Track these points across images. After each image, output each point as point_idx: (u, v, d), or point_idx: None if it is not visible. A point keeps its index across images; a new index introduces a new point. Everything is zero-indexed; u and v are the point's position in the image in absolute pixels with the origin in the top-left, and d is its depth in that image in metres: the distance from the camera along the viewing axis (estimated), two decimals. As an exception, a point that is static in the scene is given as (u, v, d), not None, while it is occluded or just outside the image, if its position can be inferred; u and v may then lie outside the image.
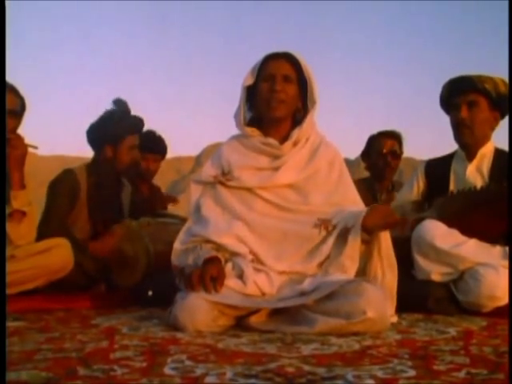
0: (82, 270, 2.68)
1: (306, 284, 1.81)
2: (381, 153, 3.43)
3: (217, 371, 1.15)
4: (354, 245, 1.86)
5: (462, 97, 2.49)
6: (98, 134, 2.93)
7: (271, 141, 2.05)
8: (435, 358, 1.30)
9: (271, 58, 2.03)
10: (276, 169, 2.04)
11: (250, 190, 2.02)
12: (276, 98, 1.98)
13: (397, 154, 3.48)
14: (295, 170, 2.04)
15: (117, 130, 2.87)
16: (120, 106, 2.93)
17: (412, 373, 1.15)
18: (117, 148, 2.89)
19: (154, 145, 3.42)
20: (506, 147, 2.49)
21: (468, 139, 2.51)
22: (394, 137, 3.50)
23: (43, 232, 2.67)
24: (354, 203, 2.03)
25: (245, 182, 2.03)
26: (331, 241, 1.90)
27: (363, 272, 1.92)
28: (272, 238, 1.95)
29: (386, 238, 1.92)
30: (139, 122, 3.02)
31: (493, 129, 2.55)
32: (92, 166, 2.93)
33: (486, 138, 2.53)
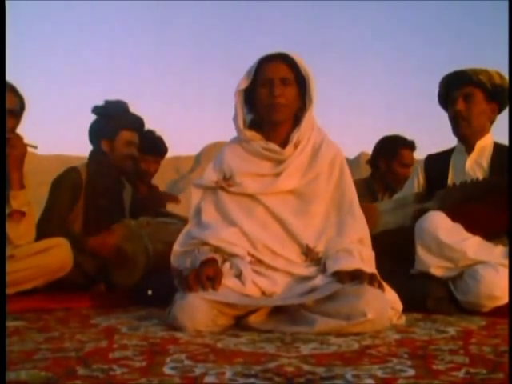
0: (82, 269, 2.68)
1: (306, 285, 1.81)
2: (402, 163, 3.49)
3: (216, 371, 1.15)
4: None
5: (458, 90, 2.50)
6: (94, 128, 2.96)
7: (272, 146, 2.03)
8: (434, 357, 1.30)
9: (267, 61, 2.00)
10: (278, 174, 2.02)
11: (251, 196, 2.02)
12: (276, 103, 1.96)
13: (410, 165, 3.53)
14: (297, 176, 2.02)
15: (112, 123, 2.90)
16: (117, 103, 2.94)
17: (411, 372, 1.15)
18: (113, 142, 2.92)
19: (155, 146, 3.41)
20: (505, 141, 2.48)
21: (465, 130, 2.51)
22: (412, 148, 3.57)
23: (43, 228, 2.67)
24: (351, 203, 2.02)
25: (246, 188, 2.02)
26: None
27: None
28: (274, 232, 1.96)
29: None
30: (137, 120, 3.05)
31: (491, 121, 2.55)
32: (89, 161, 2.95)
33: (484, 130, 2.52)
